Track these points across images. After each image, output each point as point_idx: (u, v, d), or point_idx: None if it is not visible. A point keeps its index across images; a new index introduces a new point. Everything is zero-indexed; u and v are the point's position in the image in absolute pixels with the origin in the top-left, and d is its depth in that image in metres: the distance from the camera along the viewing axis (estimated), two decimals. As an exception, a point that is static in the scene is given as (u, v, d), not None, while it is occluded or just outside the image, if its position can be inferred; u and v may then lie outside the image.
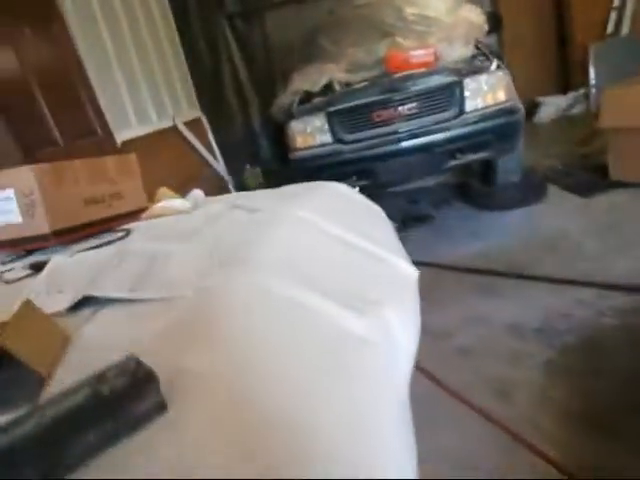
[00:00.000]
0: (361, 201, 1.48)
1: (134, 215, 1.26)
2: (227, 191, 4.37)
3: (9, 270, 0.94)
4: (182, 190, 3.11)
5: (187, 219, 1.18)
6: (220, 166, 4.43)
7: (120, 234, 1.11)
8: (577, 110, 5.36)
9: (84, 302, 0.70)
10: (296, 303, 0.79)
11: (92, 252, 0.90)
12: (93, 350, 0.60)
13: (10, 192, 1.02)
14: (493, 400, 1.73)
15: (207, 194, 1.89)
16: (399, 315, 0.92)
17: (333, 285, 0.91)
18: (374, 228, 1.33)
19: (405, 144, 3.19)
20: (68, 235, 1.06)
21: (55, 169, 1.06)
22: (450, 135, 3.18)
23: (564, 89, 5.52)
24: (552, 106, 5.48)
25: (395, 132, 3.18)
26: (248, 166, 4.93)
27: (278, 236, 0.95)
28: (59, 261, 0.88)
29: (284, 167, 4.11)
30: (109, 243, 1.04)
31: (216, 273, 0.78)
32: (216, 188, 4.23)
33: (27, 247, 1.07)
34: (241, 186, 4.65)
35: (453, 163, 3.28)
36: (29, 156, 2.18)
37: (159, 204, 1.28)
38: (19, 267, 0.96)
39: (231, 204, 1.25)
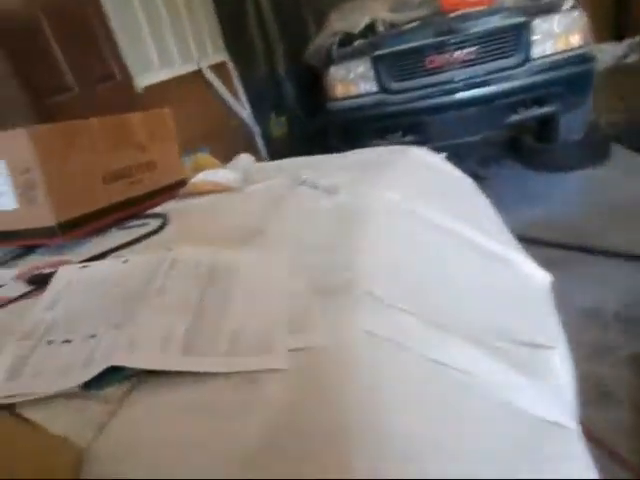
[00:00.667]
0: (454, 174, 1.16)
1: (169, 192, 0.95)
2: (255, 143, 4.04)
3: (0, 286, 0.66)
4: (208, 142, 2.81)
5: (242, 202, 0.88)
6: (247, 115, 4.08)
7: (154, 224, 0.80)
8: (632, 59, 4.87)
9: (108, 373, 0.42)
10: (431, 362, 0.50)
11: (116, 263, 0.61)
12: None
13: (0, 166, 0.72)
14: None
15: (235, 147, 1.57)
16: (562, 360, 0.63)
17: (470, 321, 0.61)
18: (481, 214, 1.02)
19: (461, 95, 2.81)
20: (81, 227, 0.76)
21: (63, 133, 0.75)
22: (513, 86, 2.78)
23: (619, 36, 5.02)
24: (607, 54, 5.00)
25: (450, 81, 2.79)
26: (273, 115, 4.60)
27: (382, 246, 0.65)
28: (67, 278, 0.59)
29: (315, 117, 3.75)
30: (140, 240, 0.74)
31: (317, 321, 0.48)
32: (244, 139, 3.90)
33: (25, 243, 0.78)
34: (265, 136, 4.34)
35: (515, 118, 2.90)
36: (39, 105, 1.85)
37: (200, 177, 0.98)
38: (11, 280, 0.67)
39: (295, 178, 0.94)
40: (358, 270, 0.58)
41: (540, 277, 0.87)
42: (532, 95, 2.78)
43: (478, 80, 2.73)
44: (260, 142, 4.22)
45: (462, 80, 2.75)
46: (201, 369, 0.42)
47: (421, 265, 0.68)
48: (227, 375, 0.42)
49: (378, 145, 1.76)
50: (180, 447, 0.36)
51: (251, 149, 3.61)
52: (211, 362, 0.43)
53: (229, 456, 0.35)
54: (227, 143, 3.29)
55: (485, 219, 1.00)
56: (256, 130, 4.18)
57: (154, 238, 0.77)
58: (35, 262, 0.73)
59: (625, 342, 1.75)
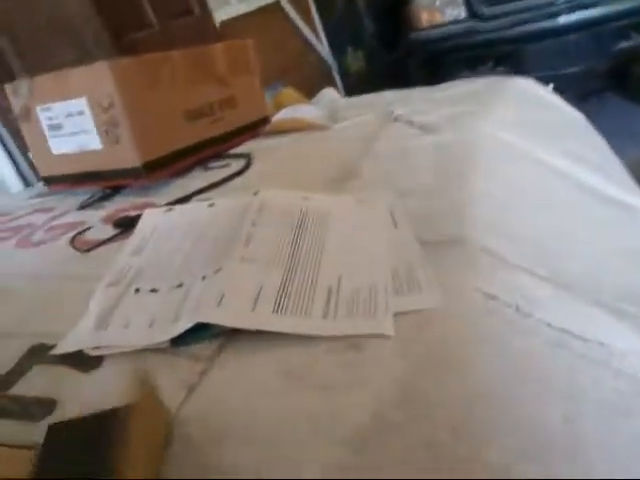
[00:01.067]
0: (565, 109, 1.02)
1: (252, 131, 0.89)
2: (332, 78, 3.89)
3: (85, 229, 0.64)
4: (284, 77, 2.72)
5: (330, 141, 0.81)
6: (324, 49, 3.91)
7: (238, 165, 0.76)
8: None
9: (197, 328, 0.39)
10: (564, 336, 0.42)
11: (202, 207, 0.57)
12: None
13: (82, 103, 0.69)
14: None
15: (311, 82, 1.49)
16: None
17: (598, 283, 0.52)
18: (601, 156, 0.89)
19: (563, 19, 2.51)
20: (165, 168, 0.73)
21: (144, 66, 0.70)
22: (625, 7, 2.44)
23: None
24: None
25: (550, 3, 2.49)
26: (350, 49, 4.38)
27: (495, 194, 0.56)
28: (153, 222, 0.56)
29: (393, 50, 3.54)
30: (225, 181, 0.70)
31: (426, 280, 0.42)
32: (321, 75, 3.76)
33: (110, 184, 0.76)
34: (342, 71, 4.16)
35: (624, 45, 2.57)
36: (120, 42, 1.83)
37: (284, 114, 0.91)
38: (98, 221, 0.65)
39: (387, 114, 0.85)
40: (469, 221, 0.50)
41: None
42: (648, 17, 2.43)
43: (583, 1, 2.41)
44: (337, 77, 4.06)
45: (565, 1, 2.44)
46: (297, 331, 0.38)
47: (539, 217, 0.59)
48: (326, 339, 0.37)
49: (466, 77, 1.61)
50: (279, 417, 0.32)
51: (328, 84, 3.48)
52: (308, 324, 0.38)
53: (338, 435, 0.30)
54: (304, 78, 3.18)
55: (604, 161, 0.88)
56: (333, 65, 4.01)
57: (238, 179, 0.72)
58: (120, 204, 0.72)
59: None
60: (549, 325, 0.41)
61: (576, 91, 3.30)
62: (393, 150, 0.71)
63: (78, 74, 0.69)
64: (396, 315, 0.39)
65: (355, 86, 3.66)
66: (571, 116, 1.01)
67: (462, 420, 0.31)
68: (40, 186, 0.98)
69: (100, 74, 0.66)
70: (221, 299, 0.40)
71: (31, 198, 0.91)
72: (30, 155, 1.26)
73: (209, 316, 0.39)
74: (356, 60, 4.38)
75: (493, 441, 0.30)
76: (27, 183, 1.33)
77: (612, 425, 0.36)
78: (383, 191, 0.58)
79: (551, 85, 1.11)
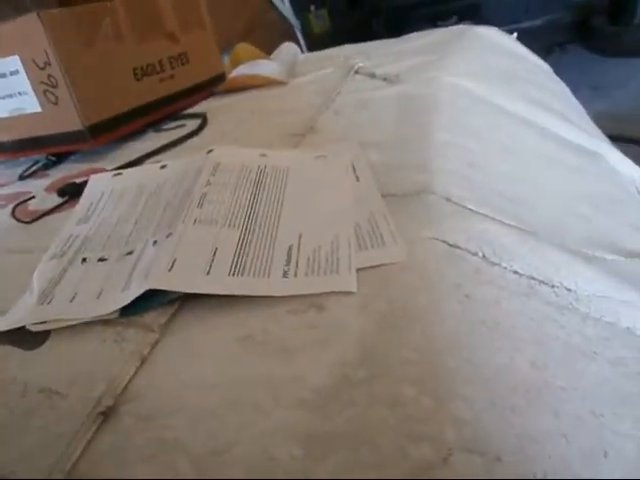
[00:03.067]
0: (529, 57, 1.00)
1: (207, 89, 0.85)
2: (295, 39, 3.77)
3: (29, 198, 0.60)
4: (245, 38, 2.62)
5: (289, 97, 0.77)
6: (286, 7, 3.78)
7: (192, 125, 0.71)
8: None
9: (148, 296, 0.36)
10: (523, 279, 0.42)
11: (153, 169, 0.53)
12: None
13: (15, 61, 0.63)
14: None
15: (273, 43, 1.43)
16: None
17: (564, 229, 0.52)
18: (565, 102, 0.87)
19: (526, -30, 2.47)
20: (113, 130, 0.68)
21: (82, 18, 0.64)
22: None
23: None
24: None
25: (513, -46, 2.45)
26: (313, 7, 4.24)
27: (457, 142, 0.55)
28: (101, 188, 0.52)
29: (357, 8, 3.45)
30: (178, 142, 0.66)
31: (389, 233, 0.40)
32: (282, 35, 3.64)
33: (53, 151, 0.71)
34: (305, 31, 4.03)
35: (585, -6, 2.56)
36: None
37: (240, 70, 0.87)
38: (42, 190, 0.61)
39: (348, 67, 0.82)
40: (431, 171, 0.49)
41: (634, 174, 0.75)
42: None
43: (546, -49, 2.38)
44: (301, 38, 3.94)
45: (527, -48, 2.40)
46: (255, 293, 0.35)
47: (502, 164, 0.57)
48: (287, 300, 0.35)
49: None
50: (237, 385, 0.31)
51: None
52: (267, 285, 0.36)
53: (296, 398, 0.28)
54: (265, 39, 3.07)
55: (568, 109, 0.87)
56: (296, 24, 3.88)
57: (193, 140, 0.68)
58: (66, 172, 0.67)
59: None
60: (516, 272, 0.40)
61: (540, 44, 3.30)
62: (354, 103, 0.68)
63: (9, 30, 0.62)
64: (359, 271, 0.37)
65: (320, 46, 3.56)
66: (535, 64, 1.00)
67: (427, 374, 0.29)
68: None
69: (32, 28, 0.60)
70: (173, 263, 0.38)
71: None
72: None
73: (160, 282, 0.36)
74: (319, 18, 4.24)
75: (459, 393, 0.29)
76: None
77: (578, 368, 0.36)
78: (344, 144, 0.55)
79: (515, 34, 1.09)
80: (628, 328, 0.41)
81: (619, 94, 2.57)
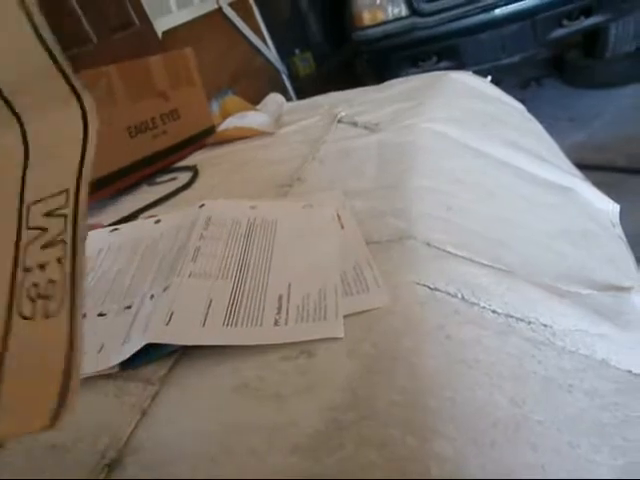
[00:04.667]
0: (502, 99, 1.05)
1: (198, 142, 0.89)
2: (281, 82, 3.89)
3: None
4: (232, 84, 2.70)
5: (276, 147, 0.81)
6: (271, 53, 3.91)
7: (184, 178, 0.75)
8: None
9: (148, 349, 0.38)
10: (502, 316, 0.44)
11: (148, 224, 0.56)
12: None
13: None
14: None
15: (261, 88, 1.49)
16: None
17: (538, 265, 0.54)
18: (538, 141, 0.92)
19: (500, 11, 2.59)
20: (108, 186, 0.71)
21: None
22: (558, -5, 2.53)
23: None
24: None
25: (487, -4, 2.56)
26: (297, 51, 4.37)
27: (434, 187, 0.58)
28: (98, 244, 0.55)
29: (341, 50, 3.57)
30: (170, 196, 0.69)
31: (372, 278, 0.42)
32: (269, 80, 3.76)
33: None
34: (291, 74, 4.15)
35: (559, 33, 2.67)
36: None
37: (228, 123, 0.91)
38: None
39: (331, 116, 0.86)
40: (410, 217, 0.52)
41: (609, 207, 0.79)
42: (579, 4, 2.53)
43: (518, -8, 2.50)
44: (287, 81, 4.05)
45: (500, -7, 2.52)
46: (249, 342, 0.38)
47: (480, 205, 0.61)
48: (279, 347, 0.37)
49: (411, 74, 1.64)
50: (234, 432, 0.32)
51: (278, 89, 3.47)
52: (260, 333, 0.38)
53: (289, 443, 0.30)
54: (253, 85, 3.17)
55: (542, 147, 0.91)
56: (282, 69, 4.01)
57: (186, 193, 0.72)
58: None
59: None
60: (494, 311, 0.43)
61: (516, 79, 3.43)
62: (338, 152, 0.71)
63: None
64: (346, 317, 0.39)
65: (306, 90, 3.66)
66: (509, 106, 1.05)
67: (411, 414, 0.31)
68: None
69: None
70: (170, 317, 0.40)
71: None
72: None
73: (158, 335, 0.38)
74: (304, 62, 4.37)
75: (441, 431, 0.31)
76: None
77: (556, 402, 0.38)
78: (329, 193, 0.58)
79: (489, 77, 1.15)
80: (603, 359, 0.43)
81: (595, 124, 2.65)
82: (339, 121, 0.83)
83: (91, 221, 0.70)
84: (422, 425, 0.31)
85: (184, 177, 0.77)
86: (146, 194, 0.76)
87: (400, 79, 1.14)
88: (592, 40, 3.00)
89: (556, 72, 3.30)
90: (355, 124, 0.80)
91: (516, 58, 3.04)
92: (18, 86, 0.20)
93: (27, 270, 0.17)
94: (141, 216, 0.66)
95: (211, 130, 0.92)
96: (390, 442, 0.30)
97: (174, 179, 0.77)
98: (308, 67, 4.35)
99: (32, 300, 0.17)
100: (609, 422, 0.37)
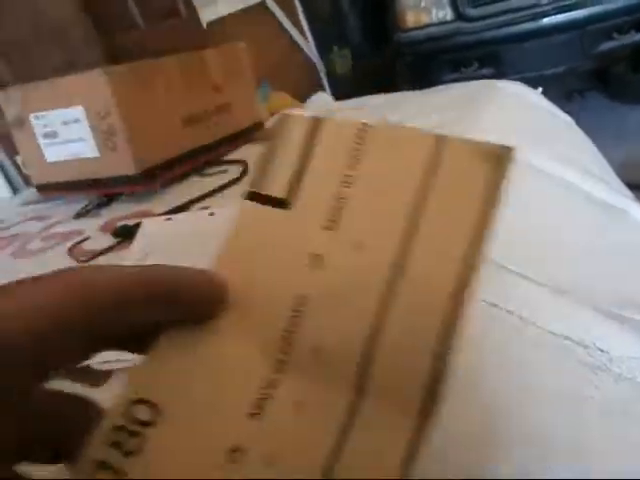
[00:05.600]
0: (554, 112, 1.03)
1: (246, 137, 0.89)
2: (319, 79, 3.89)
3: (84, 238, 0.64)
4: (272, 79, 2.72)
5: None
6: (311, 49, 3.90)
7: (234, 171, 0.76)
8: None
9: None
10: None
11: (202, 216, 0.57)
12: None
13: (78, 111, 0.68)
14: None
15: (299, 83, 1.48)
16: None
17: (592, 289, 0.53)
18: (590, 159, 0.90)
19: (548, 20, 2.54)
20: (162, 175, 0.72)
21: (139, 73, 0.70)
22: (610, 7, 2.47)
23: None
24: None
25: (535, 4, 2.52)
26: (336, 48, 4.36)
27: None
28: (154, 232, 0.56)
29: (381, 51, 3.55)
30: (223, 189, 0.70)
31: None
32: (308, 75, 3.76)
33: (106, 192, 0.75)
34: (328, 72, 4.14)
35: (608, 46, 2.60)
36: (106, 43, 1.81)
37: (276, 118, 0.91)
38: (96, 230, 0.65)
39: (380, 120, 0.86)
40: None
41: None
42: (631, 17, 2.47)
43: (569, 2, 2.44)
44: (324, 78, 4.05)
45: (549, 3, 2.46)
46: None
47: (535, 224, 0.60)
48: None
49: (452, 80, 1.62)
50: None
51: (315, 86, 3.47)
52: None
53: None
54: (291, 79, 3.17)
55: (595, 165, 0.89)
56: (320, 66, 4.01)
57: (235, 187, 0.72)
58: (117, 212, 0.71)
59: None
60: (552, 333, 0.42)
61: (559, 91, 3.37)
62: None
63: (73, 82, 0.68)
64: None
65: (342, 88, 3.66)
66: (560, 120, 1.03)
67: (477, 431, 0.31)
68: (29, 193, 0.97)
69: (96, 82, 0.65)
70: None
71: (22, 205, 0.90)
72: (19, 160, 1.24)
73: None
74: (342, 58, 4.35)
75: (499, 453, 0.31)
76: (14, 189, 1.31)
77: (614, 430, 0.37)
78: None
79: (540, 89, 1.13)
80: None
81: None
82: (389, 125, 0.82)
83: (143, 207, 0.71)
84: (484, 443, 0.31)
85: (233, 170, 0.77)
86: (195, 185, 0.77)
87: (446, 85, 1.13)
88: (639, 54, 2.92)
89: (600, 85, 3.22)
90: (406, 129, 0.79)
91: (560, 69, 2.98)
92: None
93: None
94: (193, 207, 0.67)
95: (259, 125, 0.92)
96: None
97: (224, 172, 0.78)
98: (345, 65, 4.33)
99: None
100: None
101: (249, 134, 0.90)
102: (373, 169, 0.19)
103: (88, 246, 0.61)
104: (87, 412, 0.18)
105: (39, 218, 0.78)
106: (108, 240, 0.61)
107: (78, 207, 0.77)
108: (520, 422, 0.34)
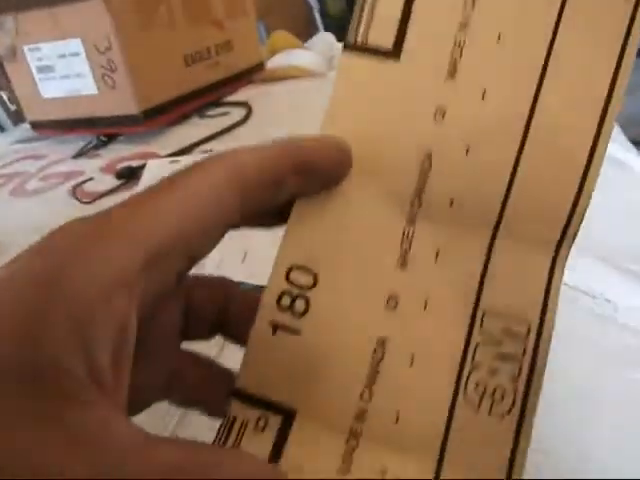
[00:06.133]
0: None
1: (247, 77, 0.86)
2: (313, 18, 3.74)
3: (87, 179, 0.62)
4: (266, 17, 2.60)
5: (330, 89, 0.78)
6: (305, -13, 3.73)
7: (237, 113, 0.73)
8: None
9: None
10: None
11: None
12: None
13: (76, 44, 0.65)
14: None
15: (294, 23, 1.43)
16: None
17: (600, 241, 0.54)
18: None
19: None
20: (164, 115, 0.70)
21: (141, 4, 0.65)
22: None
23: None
24: None
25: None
26: (329, -15, 4.17)
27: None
28: (159, 174, 0.55)
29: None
30: (227, 131, 0.68)
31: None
32: (302, 16, 3.61)
33: (106, 132, 0.73)
34: (322, 13, 3.98)
35: None
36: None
37: (279, 60, 0.88)
38: (98, 171, 0.63)
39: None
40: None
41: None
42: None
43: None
44: (318, 18, 3.90)
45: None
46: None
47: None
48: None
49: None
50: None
51: (309, 25, 3.34)
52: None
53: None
54: (286, 19, 3.05)
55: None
56: (315, 4, 3.84)
57: (240, 129, 0.70)
58: (118, 153, 0.69)
59: None
60: (565, 284, 0.43)
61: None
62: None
63: (71, 12, 0.64)
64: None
65: (336, 28, 3.52)
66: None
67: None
68: (22, 130, 0.94)
69: (96, 13, 0.61)
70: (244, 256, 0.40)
71: (16, 142, 0.86)
72: (4, 96, 1.19)
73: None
74: (335, 0, 4.18)
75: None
76: (1, 127, 1.26)
77: (619, 375, 0.39)
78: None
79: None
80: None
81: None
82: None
83: (144, 149, 0.69)
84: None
85: (235, 112, 0.75)
86: (197, 126, 0.74)
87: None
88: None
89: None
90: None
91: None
92: None
93: (475, 367, 0.17)
94: (198, 149, 0.65)
95: (260, 66, 0.89)
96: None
97: (226, 114, 0.76)
98: (339, 5, 4.17)
99: (478, 394, 0.17)
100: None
101: (250, 75, 0.87)
102: (490, 10, 0.18)
103: (90, 187, 0.60)
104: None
105: (35, 157, 0.75)
106: (111, 181, 0.60)
107: (73, 146, 0.75)
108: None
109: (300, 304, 0.18)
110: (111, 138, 0.74)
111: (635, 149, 0.88)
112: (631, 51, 0.16)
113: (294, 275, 0.18)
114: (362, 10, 0.18)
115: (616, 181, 0.67)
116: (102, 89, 0.67)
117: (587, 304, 0.44)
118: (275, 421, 0.17)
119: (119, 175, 0.59)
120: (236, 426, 0.17)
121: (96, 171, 0.64)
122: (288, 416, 0.17)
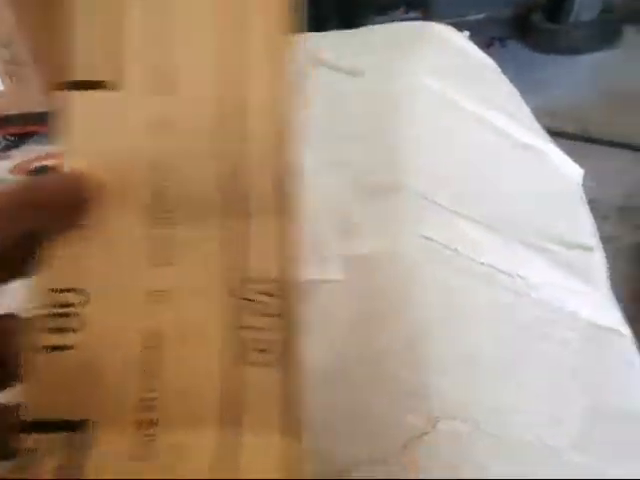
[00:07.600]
0: (479, 56, 1.05)
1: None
2: None
3: (-4, 180, 0.58)
4: None
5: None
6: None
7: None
8: None
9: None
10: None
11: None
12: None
13: (-24, 37, 0.60)
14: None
15: None
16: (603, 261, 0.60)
17: (514, 222, 0.57)
18: (511, 101, 0.93)
19: (472, -35, 2.52)
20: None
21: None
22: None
23: None
24: None
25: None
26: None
27: (424, 141, 0.59)
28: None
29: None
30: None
31: (369, 224, 0.43)
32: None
33: (14, 131, 0.68)
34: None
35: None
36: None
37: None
38: (6, 172, 0.59)
39: (313, 58, 0.83)
40: (404, 168, 0.52)
41: (573, 171, 0.82)
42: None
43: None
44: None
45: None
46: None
47: (463, 160, 0.62)
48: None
49: (378, 22, 1.60)
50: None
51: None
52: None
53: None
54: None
55: (516, 108, 0.93)
56: None
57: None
58: (30, 153, 0.65)
59: (625, 233, 1.75)
60: (482, 264, 0.45)
61: (480, 37, 3.41)
62: (322, 94, 0.70)
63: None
64: (343, 260, 0.40)
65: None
66: (486, 64, 1.05)
67: (411, 355, 0.33)
68: None
69: (-4, 4, 0.58)
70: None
71: None
72: None
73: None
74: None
75: (440, 369, 0.33)
76: None
77: (532, 346, 0.41)
78: (319, 137, 0.58)
79: (467, 32, 1.14)
80: (573, 311, 0.47)
81: (556, 91, 2.71)
82: (321, 64, 0.80)
83: (57, 149, 0.66)
84: (419, 365, 0.33)
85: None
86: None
87: (379, 26, 1.11)
88: (556, 3, 3.00)
89: (519, 34, 3.30)
90: (338, 68, 0.78)
91: (482, 15, 3.02)
92: None
93: (242, 328, 0.19)
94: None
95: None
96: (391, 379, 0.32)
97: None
98: None
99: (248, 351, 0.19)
100: (578, 366, 0.41)
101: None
102: None
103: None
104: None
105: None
106: (22, 182, 0.56)
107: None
108: (449, 339, 0.36)
109: (71, 321, 0.18)
110: (23, 139, 0.69)
111: (548, 137, 0.93)
112: None
113: (62, 297, 0.19)
114: None
115: (530, 167, 0.71)
116: (9, 85, 0.63)
117: (503, 281, 0.46)
118: (69, 437, 0.18)
119: (32, 175, 0.56)
120: (32, 457, 0.17)
121: (5, 173, 0.60)
122: (81, 428, 0.18)
